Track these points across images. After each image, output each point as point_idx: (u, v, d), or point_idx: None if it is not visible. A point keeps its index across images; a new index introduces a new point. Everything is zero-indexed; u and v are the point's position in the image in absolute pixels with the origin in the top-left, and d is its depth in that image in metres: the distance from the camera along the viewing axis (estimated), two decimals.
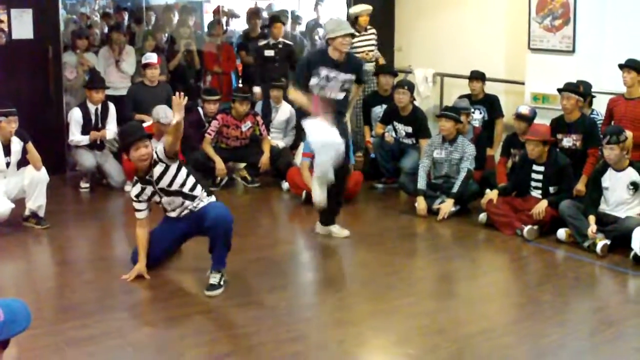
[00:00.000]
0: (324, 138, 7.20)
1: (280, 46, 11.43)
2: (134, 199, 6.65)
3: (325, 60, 7.52)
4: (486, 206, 8.31)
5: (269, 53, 11.41)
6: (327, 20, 8.46)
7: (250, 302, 6.15)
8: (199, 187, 6.59)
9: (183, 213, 6.61)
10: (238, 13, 14.64)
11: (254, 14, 13.11)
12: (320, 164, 7.37)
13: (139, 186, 6.58)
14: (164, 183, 6.47)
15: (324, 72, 7.47)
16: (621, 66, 8.28)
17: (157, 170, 6.45)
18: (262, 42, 11.75)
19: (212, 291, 6.29)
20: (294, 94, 7.55)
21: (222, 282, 6.36)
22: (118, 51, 11.26)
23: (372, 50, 11.00)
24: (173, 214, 6.67)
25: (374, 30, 11.09)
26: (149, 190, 6.54)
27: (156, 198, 6.58)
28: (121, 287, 6.58)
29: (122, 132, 6.82)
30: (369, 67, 11.08)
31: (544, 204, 7.92)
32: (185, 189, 6.52)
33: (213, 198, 6.68)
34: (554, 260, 7.55)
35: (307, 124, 7.30)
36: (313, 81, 7.48)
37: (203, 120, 10.19)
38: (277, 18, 12.04)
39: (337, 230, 7.96)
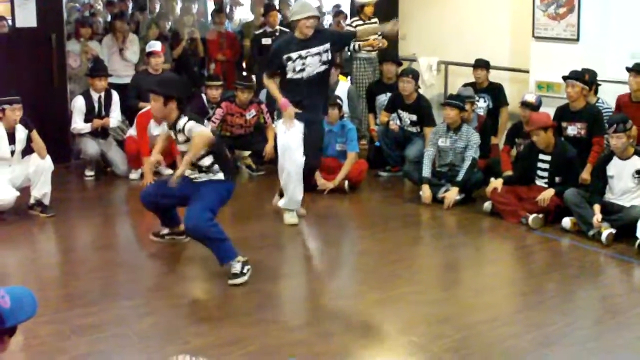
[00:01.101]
0: (288, 152, 7.72)
1: (277, 34, 11.43)
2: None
3: (293, 43, 7.68)
4: (491, 194, 8.30)
5: (266, 41, 11.41)
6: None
7: (255, 289, 6.15)
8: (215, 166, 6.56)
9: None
10: (242, 1, 14.61)
11: (258, 2, 13.10)
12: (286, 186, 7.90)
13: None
14: (179, 138, 6.57)
15: (295, 54, 7.61)
16: (629, 69, 8.24)
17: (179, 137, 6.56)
18: (258, 31, 11.75)
19: (235, 279, 6.22)
20: (268, 83, 7.82)
21: (244, 270, 6.27)
22: (122, 39, 11.27)
23: (376, 39, 10.97)
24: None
25: (376, 20, 11.07)
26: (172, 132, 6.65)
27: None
28: (126, 275, 6.61)
29: (171, 82, 6.85)
30: (373, 55, 11.07)
31: (550, 192, 7.91)
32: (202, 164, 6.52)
33: (220, 175, 6.54)
34: (559, 249, 7.54)
35: (279, 127, 7.80)
36: (290, 68, 7.64)
37: (206, 107, 10.19)
38: (272, 6, 12.04)
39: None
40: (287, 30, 11.74)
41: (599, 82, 8.79)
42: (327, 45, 7.71)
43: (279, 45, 7.87)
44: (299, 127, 7.67)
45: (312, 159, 7.92)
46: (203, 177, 6.52)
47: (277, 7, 12.89)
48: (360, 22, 10.96)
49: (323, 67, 7.72)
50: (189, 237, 6.74)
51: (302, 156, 7.73)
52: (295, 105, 7.62)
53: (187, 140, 6.42)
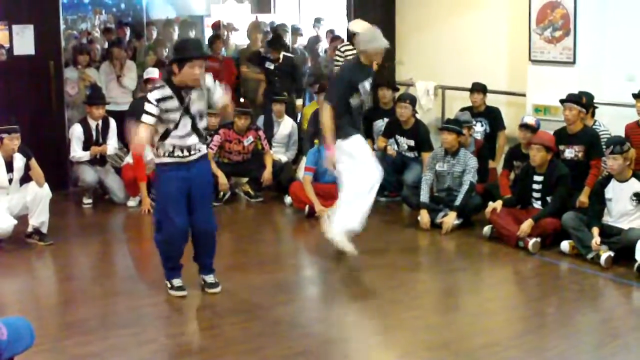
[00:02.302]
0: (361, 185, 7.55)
1: (280, 60, 11.44)
2: (151, 101, 6.23)
3: (361, 71, 7.60)
4: (490, 215, 8.29)
5: (269, 65, 11.43)
6: (360, 30, 8.54)
7: (254, 317, 6.13)
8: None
9: (188, 145, 6.34)
10: (237, 27, 14.65)
11: (254, 28, 13.14)
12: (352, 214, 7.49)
13: (167, 91, 6.25)
14: (194, 108, 6.33)
15: (366, 84, 7.61)
16: (635, 96, 8.24)
17: (196, 95, 6.34)
18: (262, 55, 11.78)
19: (216, 288, 6.66)
20: (328, 115, 7.45)
21: (216, 279, 6.72)
22: (119, 66, 11.29)
23: None
24: (179, 143, 6.31)
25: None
26: (172, 103, 6.23)
27: (173, 116, 6.23)
28: (124, 303, 6.58)
29: (183, 44, 6.58)
30: None
31: (529, 223, 7.88)
32: (201, 127, 6.42)
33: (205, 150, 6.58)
34: (558, 273, 7.53)
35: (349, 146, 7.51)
36: (355, 96, 7.53)
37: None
38: (275, 43, 11.95)
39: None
40: (292, 55, 11.77)
41: (596, 105, 8.81)
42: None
43: (351, 76, 7.61)
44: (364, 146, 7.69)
45: None
46: (203, 150, 6.51)
47: (284, 37, 12.95)
48: (350, 47, 10.99)
49: (366, 95, 7.83)
50: (200, 239, 6.63)
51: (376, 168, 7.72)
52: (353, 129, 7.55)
53: (200, 108, 6.38)
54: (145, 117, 6.24)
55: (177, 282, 6.62)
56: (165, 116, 6.22)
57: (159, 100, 6.19)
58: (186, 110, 6.27)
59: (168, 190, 6.37)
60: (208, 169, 6.73)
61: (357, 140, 7.52)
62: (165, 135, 6.27)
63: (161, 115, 6.21)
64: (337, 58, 11.12)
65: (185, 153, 6.34)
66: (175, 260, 6.62)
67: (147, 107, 6.23)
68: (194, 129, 6.33)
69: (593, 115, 8.78)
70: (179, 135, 6.28)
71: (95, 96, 9.97)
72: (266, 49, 12.16)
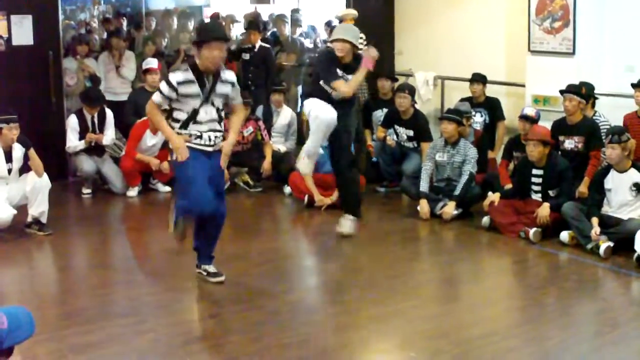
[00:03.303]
0: (320, 113, 7.56)
1: (255, 50, 11.39)
2: (170, 82, 6.01)
3: (336, 60, 7.65)
4: (488, 208, 8.30)
5: (245, 56, 11.41)
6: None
7: (254, 307, 6.14)
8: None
9: (208, 134, 6.18)
10: (238, 18, 14.63)
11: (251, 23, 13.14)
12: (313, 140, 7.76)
13: (189, 75, 6.06)
14: (216, 93, 6.16)
15: (339, 71, 7.62)
16: (634, 86, 8.24)
17: (223, 88, 6.22)
18: (244, 46, 11.74)
19: (221, 277, 6.59)
20: (343, 87, 7.56)
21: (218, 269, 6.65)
22: (118, 57, 11.27)
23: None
24: (199, 130, 6.15)
25: (362, 35, 11.03)
26: (193, 88, 6.05)
27: (192, 102, 6.08)
28: (124, 293, 6.59)
29: (203, 26, 6.58)
30: None
31: (546, 208, 7.90)
32: (221, 113, 6.30)
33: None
34: (557, 263, 7.54)
35: (308, 103, 7.73)
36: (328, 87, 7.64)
37: None
38: (252, 25, 11.96)
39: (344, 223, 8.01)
40: (268, 46, 11.74)
41: (596, 96, 8.80)
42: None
43: (327, 56, 7.81)
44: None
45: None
46: (220, 143, 6.33)
47: (269, 24, 12.92)
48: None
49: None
50: (209, 225, 6.51)
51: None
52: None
53: (223, 95, 6.25)
54: (156, 96, 6.11)
55: (211, 268, 6.63)
56: (184, 101, 6.07)
57: (179, 83, 6.01)
58: (207, 98, 6.12)
59: (192, 169, 6.10)
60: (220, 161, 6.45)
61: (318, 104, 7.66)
62: (187, 123, 6.12)
63: (178, 99, 6.05)
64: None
65: (207, 142, 6.18)
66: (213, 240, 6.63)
67: (162, 85, 6.10)
68: (217, 117, 6.22)
69: (593, 106, 8.78)
70: (200, 122, 6.13)
71: (91, 97, 9.92)
72: (243, 37, 12.14)
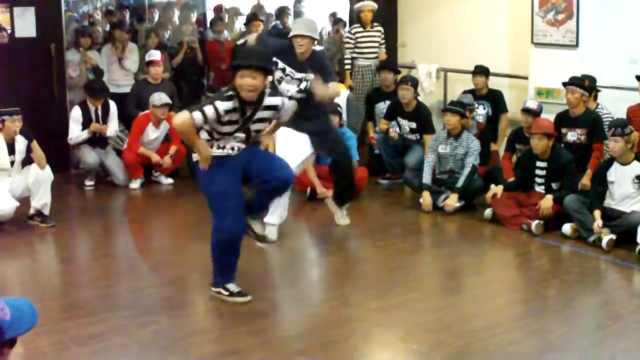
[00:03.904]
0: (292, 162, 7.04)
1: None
2: (217, 108, 5.50)
3: (289, 54, 7.33)
4: (491, 201, 8.30)
5: None
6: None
7: (256, 299, 6.13)
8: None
9: (235, 147, 5.78)
10: (242, 11, 14.61)
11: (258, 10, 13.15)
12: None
13: (235, 103, 5.56)
14: (254, 120, 5.75)
15: (283, 65, 7.30)
16: (639, 77, 8.23)
17: (264, 114, 5.79)
18: (240, 41, 11.71)
19: (267, 242, 6.51)
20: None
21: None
22: (121, 49, 11.26)
23: (375, 49, 10.99)
24: (226, 145, 5.76)
25: (379, 28, 11.08)
26: (234, 116, 5.62)
27: (229, 128, 5.65)
28: (126, 285, 6.60)
29: (237, 49, 5.98)
30: (372, 62, 11.05)
31: (549, 200, 7.90)
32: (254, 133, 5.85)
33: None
34: (559, 256, 7.54)
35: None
36: (277, 75, 7.26)
37: None
38: (254, 16, 11.99)
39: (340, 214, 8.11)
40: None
41: (599, 88, 8.79)
42: (310, 76, 7.18)
43: (273, 46, 7.35)
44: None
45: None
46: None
47: (275, 18, 12.94)
48: (361, 29, 11.00)
49: (299, 95, 7.07)
50: (278, 188, 6.04)
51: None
52: None
53: (264, 120, 5.84)
54: (197, 114, 5.50)
55: (233, 286, 6.06)
56: (221, 128, 5.65)
57: (226, 112, 5.55)
58: (243, 127, 5.72)
59: (220, 185, 5.73)
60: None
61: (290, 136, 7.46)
62: (217, 143, 5.75)
63: (217, 123, 5.61)
64: (348, 40, 11.11)
65: (229, 152, 5.78)
66: (233, 257, 6.04)
67: (207, 109, 5.50)
68: (247, 139, 5.82)
69: (595, 98, 8.77)
70: (229, 146, 5.76)
71: (95, 88, 9.93)
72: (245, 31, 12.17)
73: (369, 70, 11.05)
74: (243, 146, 5.80)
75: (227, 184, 5.72)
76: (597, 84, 8.73)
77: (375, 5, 10.98)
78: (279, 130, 6.72)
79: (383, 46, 11.11)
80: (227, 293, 6.02)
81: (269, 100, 5.75)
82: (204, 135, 5.72)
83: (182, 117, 5.58)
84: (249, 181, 5.91)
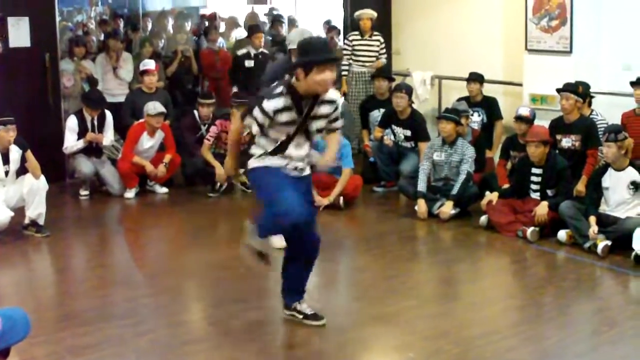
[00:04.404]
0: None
1: (260, 57, 11.48)
2: (266, 110, 5.11)
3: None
4: (486, 208, 8.30)
5: (249, 64, 11.44)
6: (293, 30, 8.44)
7: (251, 307, 6.13)
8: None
9: (296, 166, 5.35)
10: (239, 22, 14.63)
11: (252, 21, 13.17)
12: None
13: (287, 101, 5.15)
14: (313, 116, 5.28)
15: None
16: (633, 83, 8.25)
17: (322, 109, 5.31)
18: (241, 52, 11.75)
19: (321, 321, 5.72)
20: None
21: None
22: (115, 58, 11.27)
23: (372, 58, 11.01)
24: (286, 162, 5.31)
25: (379, 38, 11.10)
26: (290, 115, 5.17)
27: (287, 129, 5.20)
28: (122, 294, 6.58)
29: (309, 44, 5.24)
30: (366, 70, 11.06)
31: (544, 207, 7.90)
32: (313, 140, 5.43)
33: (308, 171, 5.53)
34: (555, 262, 7.54)
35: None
36: None
37: (198, 123, 10.21)
38: (257, 27, 12.04)
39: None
40: (268, 52, 11.78)
41: (593, 94, 8.81)
42: None
43: (276, 72, 7.30)
44: None
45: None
46: (307, 170, 5.53)
47: (269, 27, 12.97)
48: (359, 37, 11.04)
49: None
50: (307, 244, 5.63)
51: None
52: None
53: (322, 117, 5.33)
54: (249, 121, 5.25)
55: (306, 307, 5.74)
56: (277, 128, 5.21)
57: (277, 111, 5.14)
58: (302, 126, 5.26)
59: (276, 179, 5.28)
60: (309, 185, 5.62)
61: None
62: (275, 151, 5.28)
63: (272, 127, 5.19)
64: (346, 47, 11.14)
65: (292, 169, 5.34)
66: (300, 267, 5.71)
67: (256, 113, 5.17)
68: (306, 154, 5.39)
69: (590, 104, 8.78)
70: (289, 154, 5.30)
71: (93, 99, 9.89)
72: (243, 42, 12.22)
73: (363, 77, 11.08)
74: (304, 167, 5.38)
75: (284, 184, 5.23)
76: (591, 90, 8.75)
77: (375, 14, 11.03)
78: None
79: (383, 56, 11.13)
80: (301, 316, 5.70)
81: (327, 94, 5.29)
82: (259, 152, 5.33)
83: (235, 127, 5.58)
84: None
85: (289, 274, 5.73)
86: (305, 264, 5.72)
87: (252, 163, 5.39)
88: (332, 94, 5.35)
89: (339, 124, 5.54)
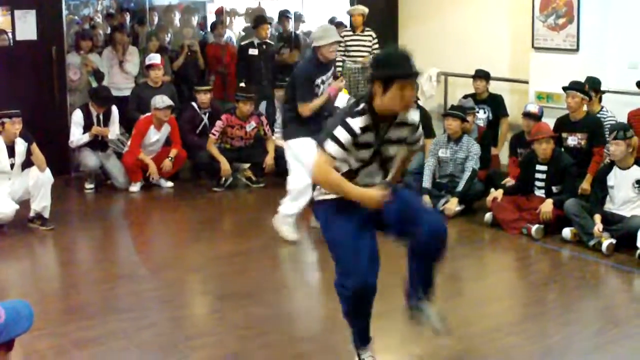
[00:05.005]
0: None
1: (263, 46, 11.51)
2: (352, 127, 4.37)
3: (317, 68, 7.51)
4: (491, 205, 8.29)
5: (253, 52, 11.47)
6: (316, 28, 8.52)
7: (256, 302, 6.14)
8: None
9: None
10: (240, 12, 14.61)
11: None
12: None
13: (369, 119, 4.41)
14: (390, 150, 4.62)
15: (319, 80, 7.49)
16: (639, 84, 8.24)
17: (397, 132, 4.59)
18: (245, 42, 11.79)
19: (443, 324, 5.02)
20: (308, 110, 7.41)
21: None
22: (122, 52, 11.26)
23: (365, 53, 11.01)
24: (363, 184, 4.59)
25: (371, 33, 11.08)
26: (369, 137, 4.45)
27: (363, 154, 4.47)
28: (126, 288, 6.59)
29: (390, 57, 4.60)
30: (355, 66, 11.07)
31: (549, 204, 7.89)
32: (391, 167, 4.73)
33: None
34: (559, 260, 7.53)
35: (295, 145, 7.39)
36: (316, 93, 7.50)
37: (199, 113, 10.23)
38: (263, 19, 12.06)
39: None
40: (272, 43, 11.80)
41: (604, 90, 8.75)
42: (332, 70, 7.75)
43: (308, 72, 7.50)
44: None
45: None
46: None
47: (275, 22, 12.98)
48: (350, 32, 11.07)
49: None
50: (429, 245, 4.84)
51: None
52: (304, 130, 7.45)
53: (398, 141, 4.65)
54: (331, 147, 4.40)
55: (367, 355, 5.05)
56: (355, 154, 4.47)
57: (362, 130, 4.40)
58: (378, 151, 4.54)
59: (345, 232, 4.66)
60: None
61: (304, 143, 7.26)
62: (351, 174, 4.55)
63: (353, 149, 4.44)
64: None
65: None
66: (364, 319, 5.00)
67: (340, 133, 4.38)
68: (384, 173, 4.69)
69: (600, 100, 8.74)
70: (359, 183, 4.56)
71: (102, 96, 9.89)
72: (247, 33, 12.24)
73: (356, 73, 11.09)
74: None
75: (355, 232, 4.63)
76: (600, 86, 8.69)
77: (366, 10, 11.01)
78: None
79: (376, 51, 11.11)
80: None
81: (409, 115, 4.61)
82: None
83: (317, 166, 4.47)
84: (383, 228, 4.87)
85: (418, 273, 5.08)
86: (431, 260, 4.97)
87: (317, 195, 4.75)
88: (413, 115, 4.64)
89: (419, 145, 4.93)
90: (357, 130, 4.36)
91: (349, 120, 4.38)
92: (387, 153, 4.58)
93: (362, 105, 4.44)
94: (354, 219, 4.57)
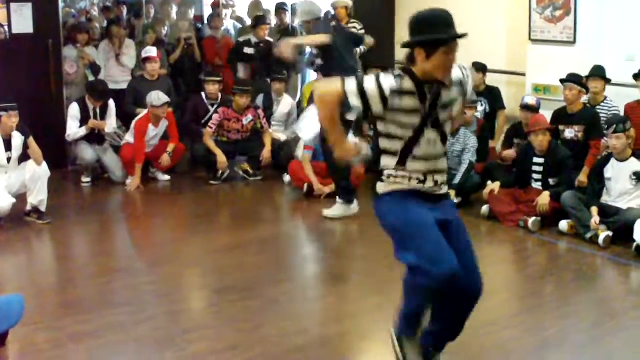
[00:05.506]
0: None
1: (261, 45, 11.51)
2: (381, 83, 4.11)
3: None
4: (488, 197, 8.30)
5: (249, 51, 11.49)
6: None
7: (253, 295, 6.14)
8: None
9: (433, 177, 4.34)
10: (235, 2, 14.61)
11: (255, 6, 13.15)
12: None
13: (407, 84, 4.16)
14: (441, 103, 4.27)
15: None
16: (636, 76, 8.23)
17: (449, 93, 4.32)
18: (243, 38, 11.78)
19: None
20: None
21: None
22: (118, 45, 11.24)
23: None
24: (418, 170, 4.30)
25: (355, 25, 11.03)
26: (411, 102, 4.17)
27: (406, 120, 4.18)
28: (123, 281, 6.59)
29: (431, 18, 4.51)
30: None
31: (546, 196, 7.90)
32: (447, 131, 4.37)
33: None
34: (556, 252, 7.54)
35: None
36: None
37: (206, 104, 10.25)
38: (264, 19, 12.04)
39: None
40: (272, 40, 11.79)
41: (609, 78, 8.70)
42: None
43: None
44: None
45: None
46: (445, 188, 4.51)
47: (274, 15, 12.98)
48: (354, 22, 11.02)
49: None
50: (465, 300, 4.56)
51: None
52: None
53: (450, 103, 4.34)
54: (350, 84, 4.16)
55: (409, 346, 4.59)
56: (396, 119, 4.19)
57: (393, 92, 4.12)
58: (428, 116, 4.22)
59: (412, 213, 4.33)
60: (455, 210, 4.65)
61: None
62: (404, 155, 4.26)
63: (385, 116, 4.20)
64: None
65: (430, 184, 4.34)
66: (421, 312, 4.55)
67: (368, 82, 4.15)
68: (442, 149, 4.36)
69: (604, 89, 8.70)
70: (420, 158, 4.27)
71: (99, 90, 9.83)
72: (246, 31, 12.25)
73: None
74: (441, 178, 4.39)
75: (431, 222, 4.28)
76: (605, 74, 8.64)
77: (350, 3, 10.95)
78: None
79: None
80: (399, 349, 4.61)
81: (451, 74, 4.36)
82: (387, 162, 4.34)
83: (330, 89, 4.25)
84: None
85: (438, 323, 4.70)
86: (461, 310, 4.65)
87: (380, 187, 4.47)
88: (457, 71, 4.42)
89: (470, 97, 4.65)
90: (387, 91, 4.09)
91: (382, 77, 4.15)
92: (441, 117, 4.26)
93: (396, 72, 4.21)
94: (420, 206, 4.31)
